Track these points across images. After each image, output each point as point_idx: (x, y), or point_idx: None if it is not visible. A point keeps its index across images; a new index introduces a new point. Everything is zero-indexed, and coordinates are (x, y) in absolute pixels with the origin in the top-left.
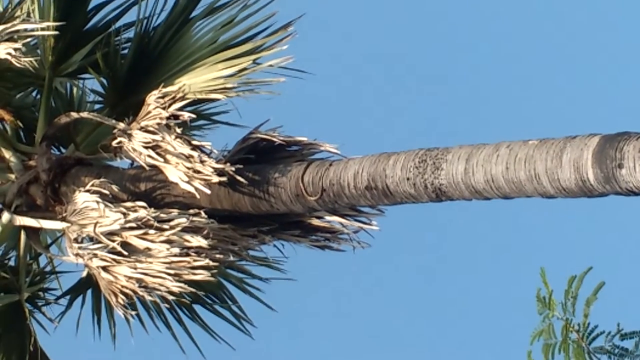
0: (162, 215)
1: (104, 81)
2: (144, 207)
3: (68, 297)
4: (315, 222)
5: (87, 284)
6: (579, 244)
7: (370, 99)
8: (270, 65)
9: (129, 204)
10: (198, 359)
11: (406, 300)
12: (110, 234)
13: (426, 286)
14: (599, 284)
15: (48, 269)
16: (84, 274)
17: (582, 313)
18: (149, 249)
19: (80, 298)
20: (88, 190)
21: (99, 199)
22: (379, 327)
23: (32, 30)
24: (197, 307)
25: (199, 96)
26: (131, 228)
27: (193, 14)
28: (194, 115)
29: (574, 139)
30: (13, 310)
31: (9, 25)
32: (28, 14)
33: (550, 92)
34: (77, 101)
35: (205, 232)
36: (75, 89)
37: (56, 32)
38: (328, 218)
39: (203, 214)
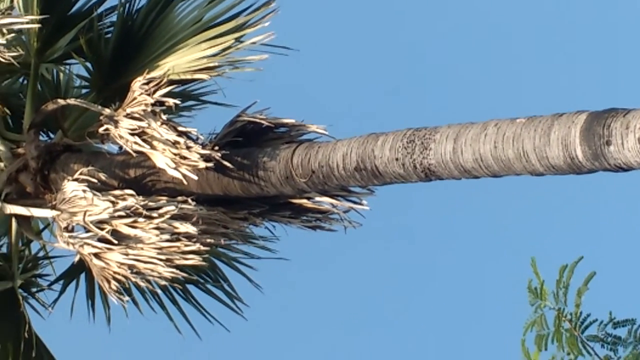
0: (150, 203)
1: (90, 66)
2: (133, 196)
3: (61, 282)
4: (306, 203)
5: (80, 268)
6: (569, 228)
7: (356, 75)
8: (253, 43)
9: (117, 192)
10: (194, 338)
11: (395, 283)
12: (99, 223)
13: (415, 270)
14: (589, 274)
15: (40, 254)
16: (77, 258)
17: (574, 302)
18: (139, 237)
19: (73, 283)
20: (77, 179)
21: (88, 188)
22: (367, 307)
23: (16, 23)
24: (191, 287)
25: (184, 77)
26: (120, 216)
27: None
28: (179, 102)
29: (561, 117)
30: (6, 298)
31: None
32: (11, 6)
33: (538, 69)
34: (63, 87)
35: (194, 218)
36: (61, 75)
37: (39, 25)
38: (318, 199)
39: (191, 202)
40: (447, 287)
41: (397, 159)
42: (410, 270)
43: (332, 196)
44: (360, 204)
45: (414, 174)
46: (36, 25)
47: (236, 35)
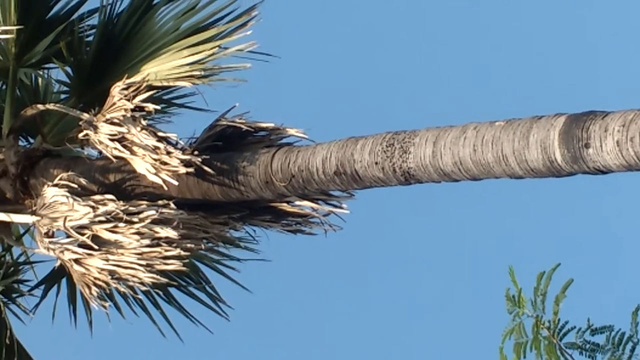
0: (131, 208)
1: (69, 70)
2: (113, 200)
3: (42, 287)
4: (286, 207)
5: (61, 273)
6: (548, 232)
7: (337, 81)
8: (239, 50)
9: (97, 197)
10: (176, 342)
11: (376, 285)
12: (80, 228)
13: (392, 274)
14: (567, 282)
15: (21, 260)
16: (58, 263)
17: (552, 310)
18: (120, 242)
19: (55, 288)
20: (56, 185)
21: (68, 193)
22: (351, 308)
23: None
24: (173, 291)
25: (165, 84)
26: (101, 221)
27: None
28: (158, 107)
29: (540, 120)
30: None
31: None
32: None
33: (516, 71)
34: (42, 91)
35: (175, 223)
36: (40, 80)
37: (19, 26)
38: (298, 203)
39: (172, 205)
40: (424, 294)
41: (376, 163)
42: (388, 274)
43: (312, 200)
44: (341, 207)
45: (394, 177)
46: (12, 36)
47: (218, 43)
